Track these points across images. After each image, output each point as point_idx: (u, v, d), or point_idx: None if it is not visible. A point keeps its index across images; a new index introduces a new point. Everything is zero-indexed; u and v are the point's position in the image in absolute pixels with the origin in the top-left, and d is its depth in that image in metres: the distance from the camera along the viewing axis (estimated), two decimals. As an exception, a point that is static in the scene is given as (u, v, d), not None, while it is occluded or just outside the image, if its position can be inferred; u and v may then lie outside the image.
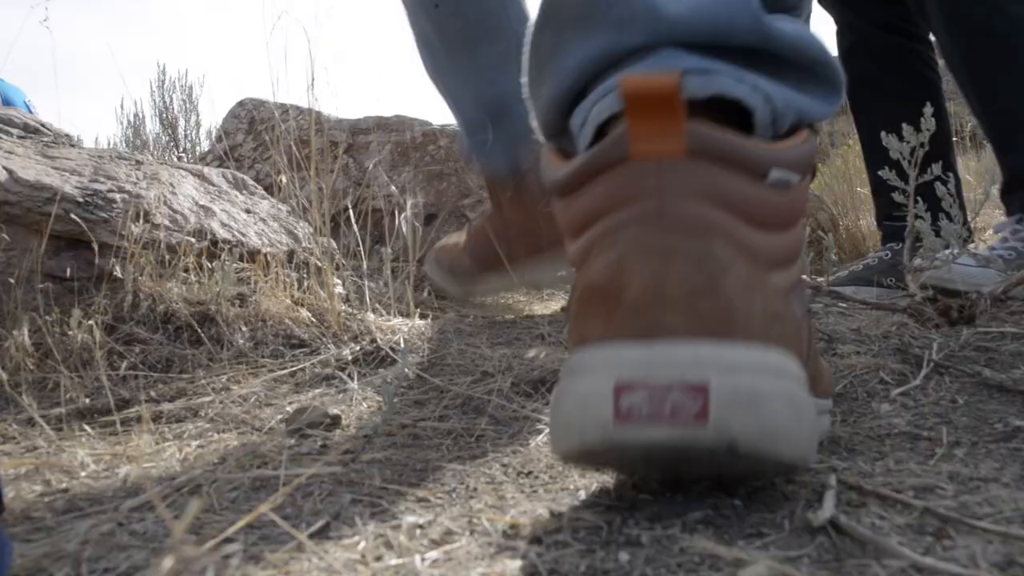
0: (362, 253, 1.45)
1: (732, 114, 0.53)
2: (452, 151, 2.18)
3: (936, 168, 1.07)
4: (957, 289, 1.15)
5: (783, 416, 0.46)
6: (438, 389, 0.95)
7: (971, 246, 1.49)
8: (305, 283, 1.29)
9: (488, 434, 0.80)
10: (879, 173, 1.19)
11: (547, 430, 0.81)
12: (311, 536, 0.53)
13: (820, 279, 1.22)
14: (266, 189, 1.81)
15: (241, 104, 2.29)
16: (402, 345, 0.84)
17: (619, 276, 0.47)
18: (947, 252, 1.12)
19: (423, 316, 1.38)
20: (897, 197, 1.13)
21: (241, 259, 1.36)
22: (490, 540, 0.52)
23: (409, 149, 2.14)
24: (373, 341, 1.12)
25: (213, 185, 1.48)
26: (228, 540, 0.53)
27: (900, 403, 0.82)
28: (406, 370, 1.00)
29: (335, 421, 0.84)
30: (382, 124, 2.18)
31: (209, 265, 1.29)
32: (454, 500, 0.61)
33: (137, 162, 1.42)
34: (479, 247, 1.43)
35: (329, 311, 1.17)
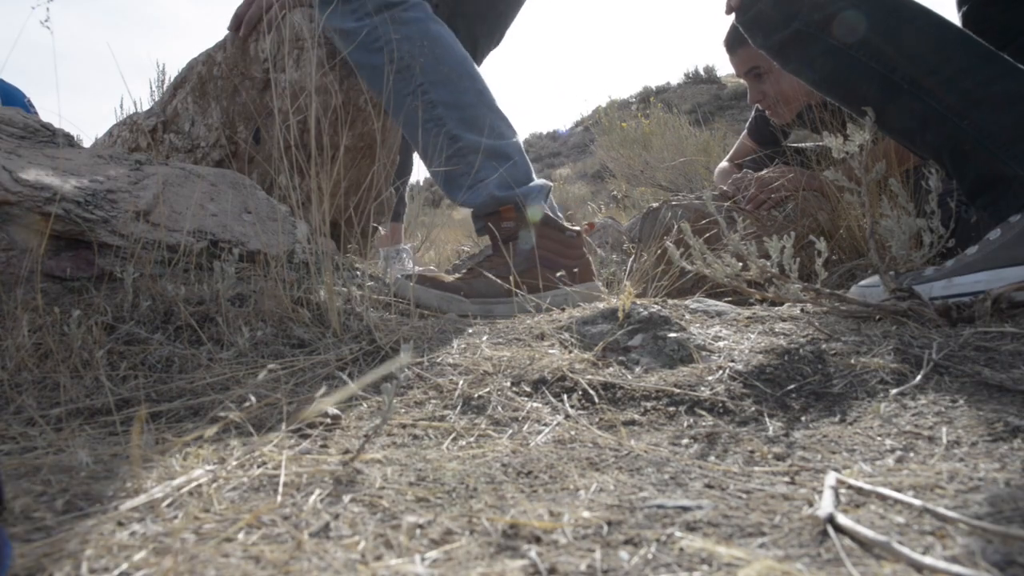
0: (362, 253, 1.45)
1: None
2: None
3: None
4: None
5: None
6: (438, 389, 0.95)
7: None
8: (305, 283, 1.29)
9: (488, 434, 0.80)
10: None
11: (547, 429, 0.81)
12: (311, 536, 0.53)
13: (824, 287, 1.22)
14: (265, 189, 1.81)
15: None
16: (402, 344, 0.84)
17: None
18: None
19: (423, 316, 1.38)
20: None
21: (241, 259, 1.36)
22: (490, 540, 0.52)
23: (409, 149, 2.15)
24: (373, 341, 1.12)
25: (213, 185, 1.48)
26: (228, 540, 0.53)
27: (900, 403, 0.82)
28: (406, 369, 1.00)
29: (335, 421, 0.84)
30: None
31: (209, 265, 1.29)
32: (454, 500, 0.61)
33: (137, 162, 1.42)
34: (503, 269, 1.54)
35: (329, 311, 1.17)
